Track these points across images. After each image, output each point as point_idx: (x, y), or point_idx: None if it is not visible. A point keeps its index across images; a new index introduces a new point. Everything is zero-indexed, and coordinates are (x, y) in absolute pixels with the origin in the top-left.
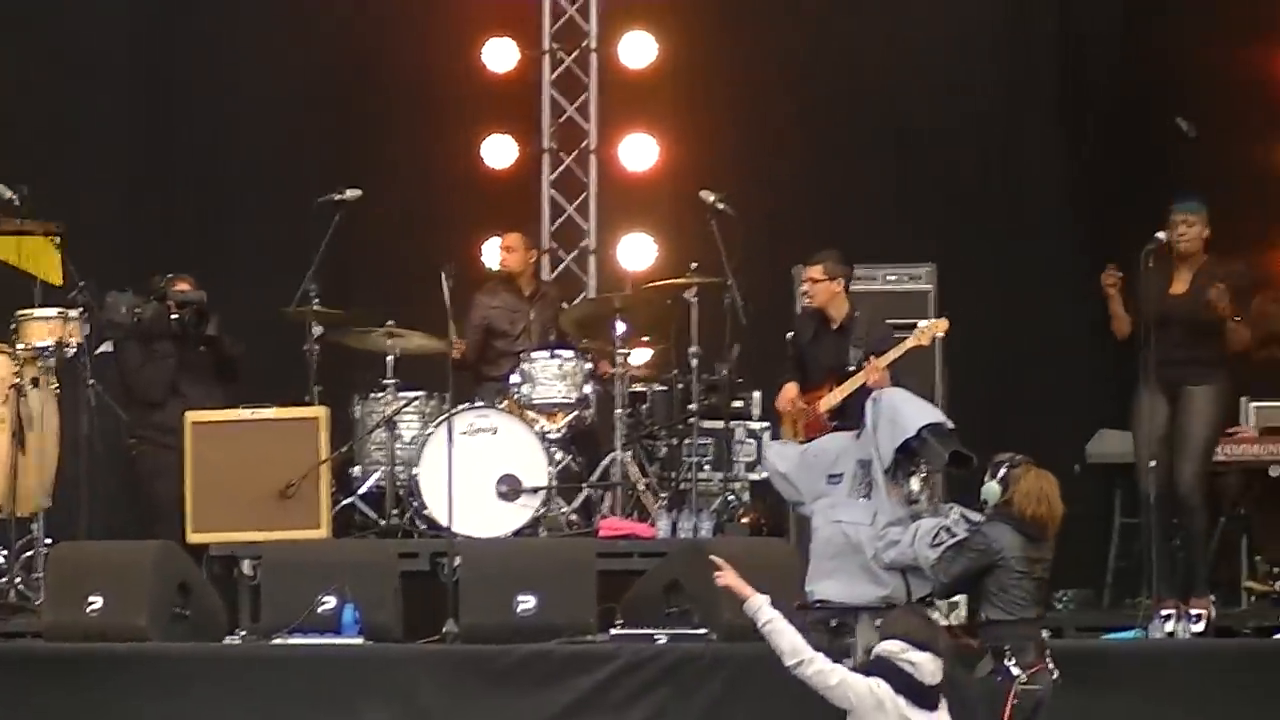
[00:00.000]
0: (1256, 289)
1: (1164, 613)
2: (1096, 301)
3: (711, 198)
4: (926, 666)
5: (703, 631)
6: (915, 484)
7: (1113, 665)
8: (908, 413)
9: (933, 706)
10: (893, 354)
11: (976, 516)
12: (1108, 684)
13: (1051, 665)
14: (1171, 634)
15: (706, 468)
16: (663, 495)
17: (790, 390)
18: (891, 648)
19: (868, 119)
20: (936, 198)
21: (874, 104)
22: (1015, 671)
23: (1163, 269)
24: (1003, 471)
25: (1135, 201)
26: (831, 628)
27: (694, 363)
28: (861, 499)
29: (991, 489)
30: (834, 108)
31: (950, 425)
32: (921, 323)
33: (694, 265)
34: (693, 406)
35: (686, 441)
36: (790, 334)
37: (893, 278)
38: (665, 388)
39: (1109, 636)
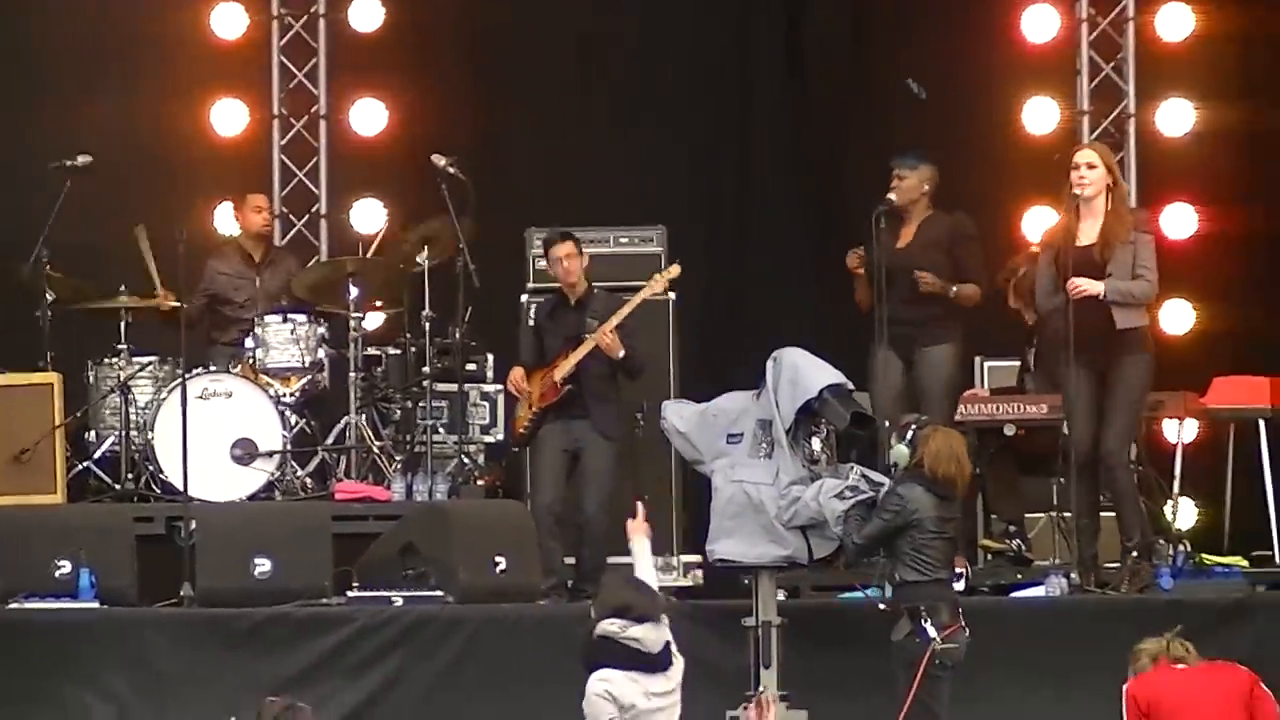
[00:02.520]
0: (972, 242)
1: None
2: (828, 264)
3: (442, 162)
4: (649, 637)
5: (439, 594)
6: (816, 444)
7: (851, 624)
8: (809, 373)
9: (666, 666)
10: (623, 311)
11: (877, 476)
12: (848, 640)
13: (964, 624)
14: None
15: (441, 430)
16: (398, 458)
17: (516, 374)
18: (611, 628)
19: (599, 82)
20: (668, 160)
21: (605, 66)
22: (932, 633)
23: (893, 227)
24: (911, 433)
25: (863, 163)
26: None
27: (427, 326)
28: (763, 458)
29: (900, 451)
30: (566, 71)
31: (851, 386)
32: (656, 275)
33: (425, 228)
34: (426, 370)
35: (421, 404)
36: (524, 296)
37: (624, 240)
38: (399, 351)
39: (844, 596)
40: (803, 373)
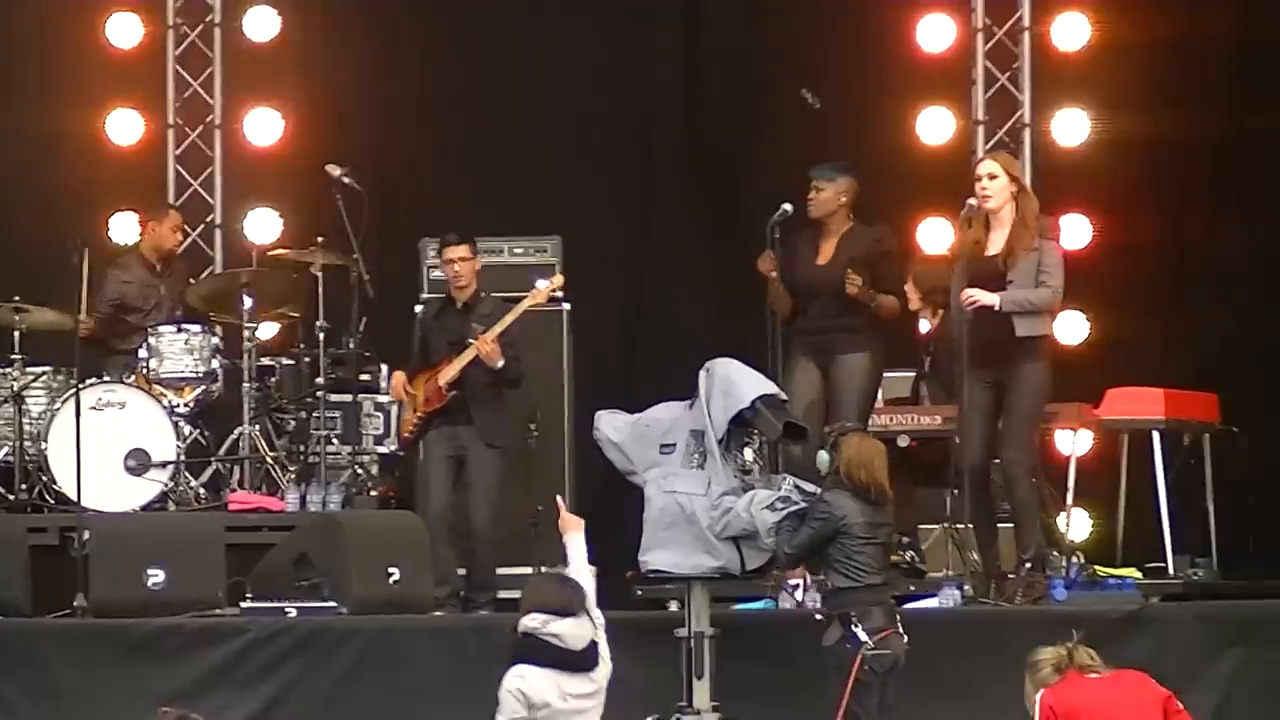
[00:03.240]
0: (892, 256)
1: (792, 583)
2: (730, 274)
3: (337, 171)
4: (573, 632)
5: (332, 604)
6: (749, 454)
7: (746, 636)
8: (742, 383)
9: (589, 666)
10: (505, 320)
11: (809, 487)
12: (739, 655)
13: (901, 630)
14: (800, 604)
15: (335, 441)
16: (291, 469)
17: (397, 379)
18: (532, 624)
19: (495, 89)
20: (566, 170)
21: (501, 74)
22: (863, 638)
23: (812, 239)
24: (832, 440)
25: (763, 172)
26: None
27: (321, 336)
28: (695, 469)
29: (822, 457)
30: (461, 80)
31: (784, 397)
32: (539, 282)
33: (320, 239)
34: (320, 380)
35: (315, 415)
36: (418, 307)
37: (519, 250)
38: (293, 361)
39: (740, 607)
40: (735, 383)
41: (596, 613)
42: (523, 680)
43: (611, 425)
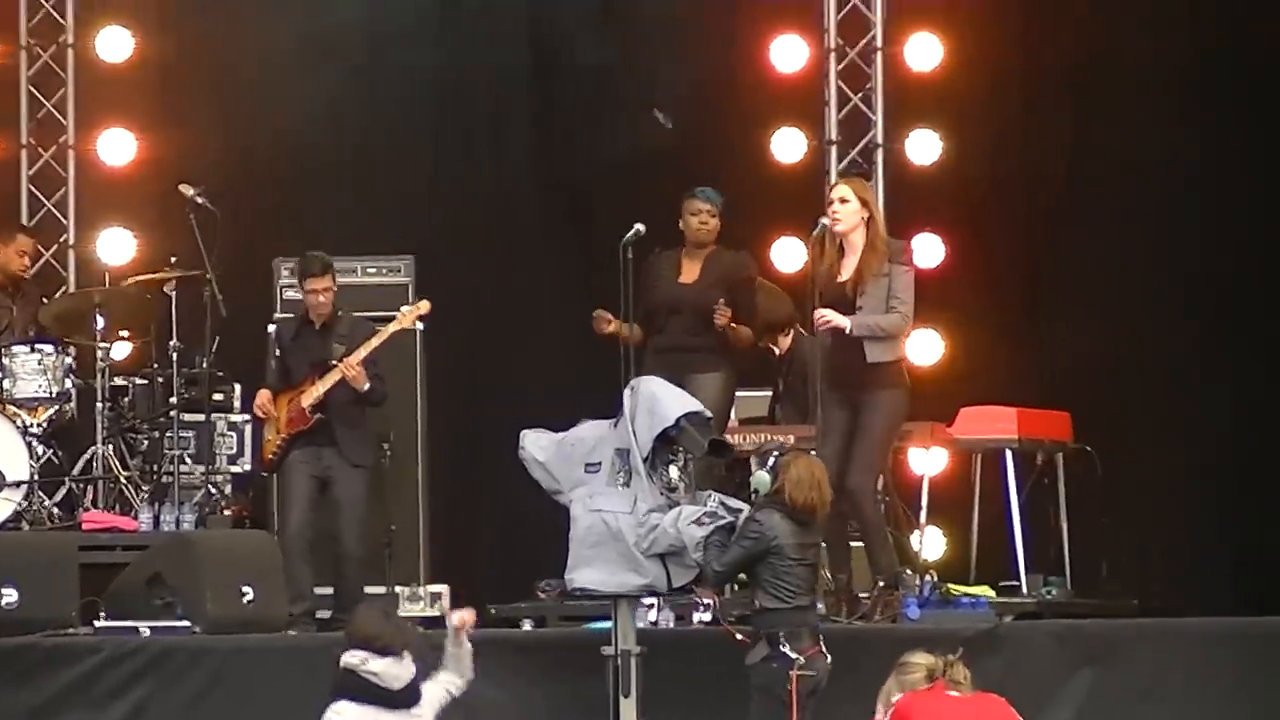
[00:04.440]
0: (751, 284)
1: (647, 602)
2: (583, 294)
3: (190, 191)
4: (390, 671)
5: (186, 624)
6: (674, 472)
7: (709, 650)
8: (666, 402)
9: (409, 704)
10: (372, 343)
11: (735, 503)
12: (707, 666)
13: (824, 650)
14: (655, 623)
15: (188, 460)
16: (145, 488)
17: (262, 396)
18: (352, 660)
19: (349, 110)
20: (418, 190)
21: (354, 94)
22: (793, 656)
23: (672, 258)
24: (772, 460)
25: (616, 192)
26: None
27: (174, 356)
28: (621, 487)
29: (761, 477)
30: (315, 100)
31: (709, 414)
32: (404, 307)
33: (173, 259)
34: (173, 400)
35: (168, 435)
36: (272, 327)
37: (372, 270)
38: (146, 381)
39: (591, 626)
40: (660, 401)
41: (449, 678)
42: (339, 717)
43: (537, 445)
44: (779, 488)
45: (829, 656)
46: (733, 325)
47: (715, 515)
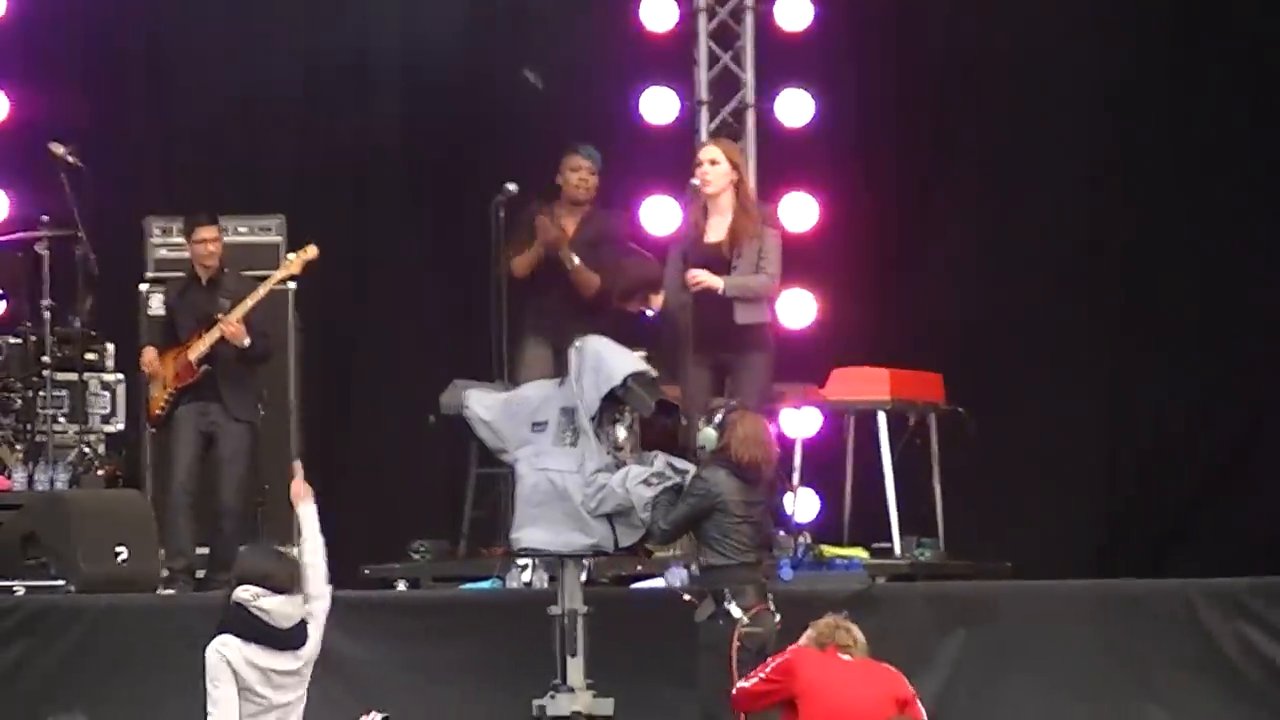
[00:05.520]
0: (615, 241)
1: (521, 563)
2: (451, 251)
3: (61, 150)
4: (281, 610)
5: (61, 583)
6: (621, 431)
7: (470, 615)
8: (612, 361)
9: (295, 645)
10: (251, 300)
11: (682, 464)
12: (467, 634)
13: (773, 608)
14: (529, 584)
15: (62, 420)
16: (18, 447)
17: (148, 354)
18: (244, 595)
19: (218, 70)
20: (283, 149)
21: (225, 56)
22: (737, 614)
23: (551, 210)
24: (719, 417)
25: (484, 152)
26: None
27: (47, 315)
28: (567, 446)
29: (708, 434)
30: (185, 60)
31: (654, 374)
32: (289, 255)
33: (44, 218)
34: (46, 359)
35: (41, 394)
36: (143, 285)
37: (244, 230)
38: (19, 340)
39: (466, 587)
40: (606, 360)
41: (324, 588)
42: (225, 648)
43: (481, 404)
44: (725, 445)
45: (777, 615)
46: (575, 262)
47: (663, 476)
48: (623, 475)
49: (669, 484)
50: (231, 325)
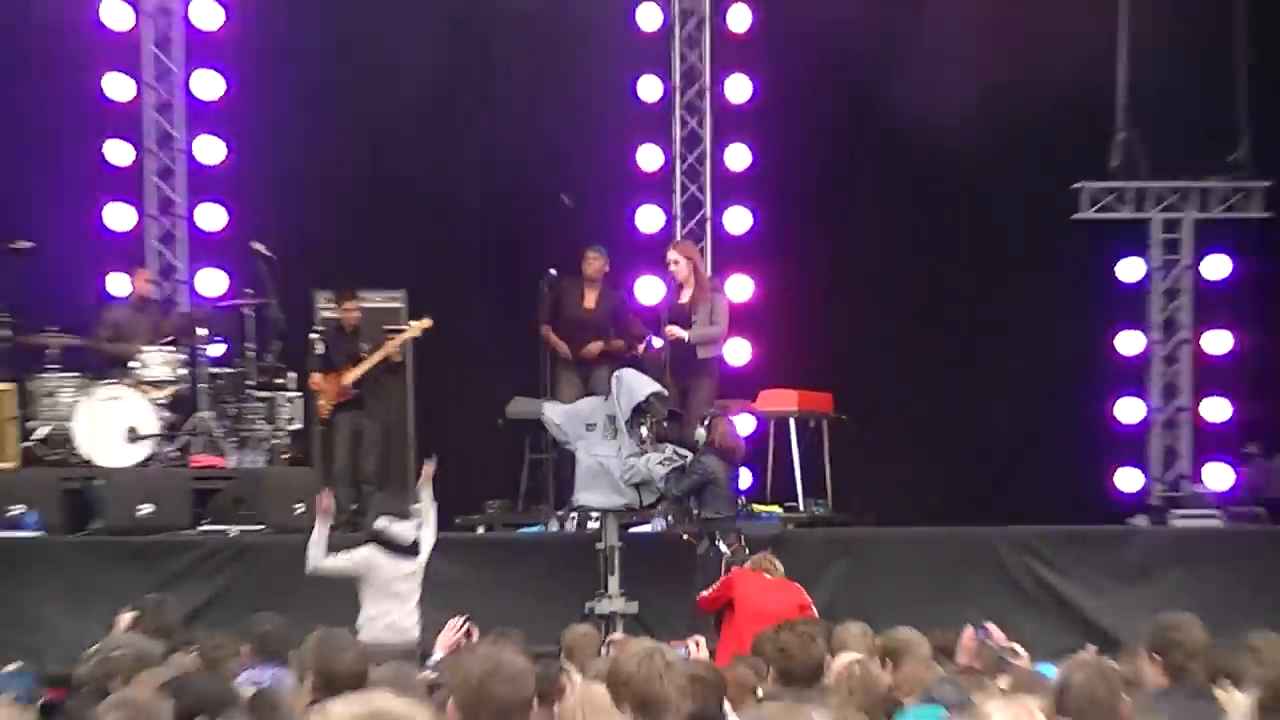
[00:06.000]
0: (626, 309)
1: (559, 514)
2: (510, 313)
3: (259, 246)
4: (405, 533)
5: (260, 527)
6: (644, 430)
7: (527, 549)
8: (639, 385)
9: (413, 554)
10: (390, 346)
11: (683, 451)
12: (527, 562)
13: (744, 544)
14: (564, 528)
15: (260, 422)
16: (232, 440)
17: (315, 379)
18: (381, 524)
19: (361, 193)
20: (410, 242)
21: (355, 183)
22: (724, 549)
23: (578, 287)
24: (707, 420)
25: (530, 243)
26: None
27: (251, 354)
28: (610, 439)
29: (700, 432)
30: (346, 183)
31: (666, 393)
32: (412, 321)
33: (248, 290)
34: (250, 383)
35: (246, 405)
36: (312, 334)
37: (378, 299)
38: (233, 370)
39: (523, 530)
40: (634, 385)
41: (432, 529)
42: (370, 550)
43: (554, 412)
44: (712, 439)
45: (748, 549)
46: (607, 345)
47: (671, 460)
48: (646, 459)
49: (675, 464)
50: (394, 349)
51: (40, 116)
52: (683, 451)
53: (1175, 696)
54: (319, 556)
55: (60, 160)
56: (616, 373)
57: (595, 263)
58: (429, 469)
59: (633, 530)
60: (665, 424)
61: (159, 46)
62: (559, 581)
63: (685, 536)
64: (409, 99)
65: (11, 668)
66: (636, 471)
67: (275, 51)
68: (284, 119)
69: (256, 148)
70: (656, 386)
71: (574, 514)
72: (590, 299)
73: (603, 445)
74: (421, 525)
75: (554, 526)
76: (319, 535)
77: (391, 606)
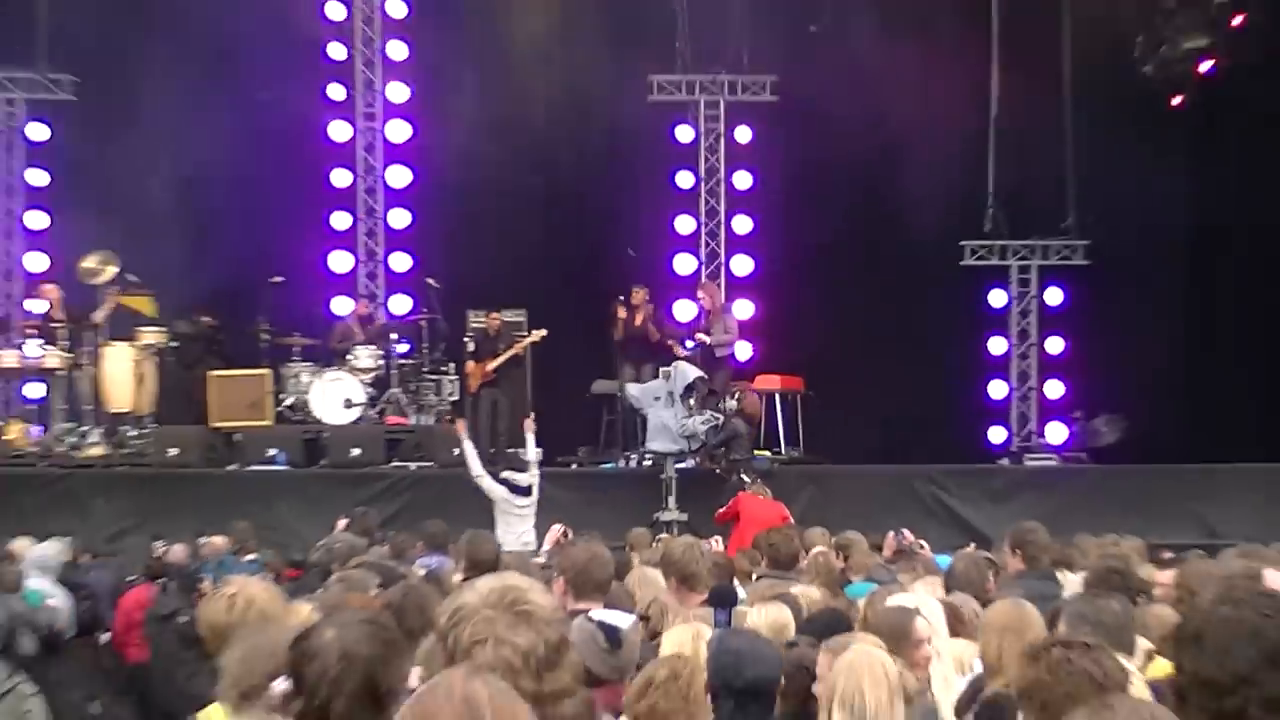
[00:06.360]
0: (659, 321)
1: (629, 454)
2: (592, 319)
3: (431, 281)
4: (522, 480)
5: (430, 464)
6: (692, 401)
7: (607, 478)
8: (689, 371)
9: (528, 494)
10: (517, 346)
11: (719, 415)
12: (608, 489)
13: (759, 479)
14: (629, 465)
15: (431, 395)
16: (413, 406)
17: (469, 366)
18: (506, 475)
19: (504, 234)
20: (532, 271)
21: (478, 232)
22: (748, 480)
23: (629, 309)
24: (736, 393)
25: (598, 279)
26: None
27: (425, 351)
28: (670, 407)
29: (731, 403)
30: (492, 235)
31: (706, 376)
32: (534, 332)
33: (424, 309)
34: (426, 370)
35: (423, 385)
36: (465, 338)
37: (509, 315)
38: (412, 361)
39: (604, 465)
40: (686, 372)
41: (535, 471)
42: (502, 490)
43: (631, 389)
44: (741, 408)
45: (759, 480)
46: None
47: (710, 420)
48: (694, 419)
49: (713, 424)
50: (523, 346)
51: (288, 197)
52: (718, 415)
53: (1028, 578)
54: (476, 465)
55: (302, 225)
56: (674, 363)
57: (639, 295)
58: (529, 422)
59: (679, 466)
60: (706, 398)
61: (366, 151)
62: (628, 500)
63: (718, 471)
64: (520, 184)
65: (250, 557)
66: (687, 428)
67: (440, 158)
68: (446, 203)
69: (431, 218)
70: (699, 373)
71: (647, 456)
72: (637, 318)
73: (665, 411)
74: (533, 475)
75: (622, 464)
76: (469, 448)
77: (515, 525)
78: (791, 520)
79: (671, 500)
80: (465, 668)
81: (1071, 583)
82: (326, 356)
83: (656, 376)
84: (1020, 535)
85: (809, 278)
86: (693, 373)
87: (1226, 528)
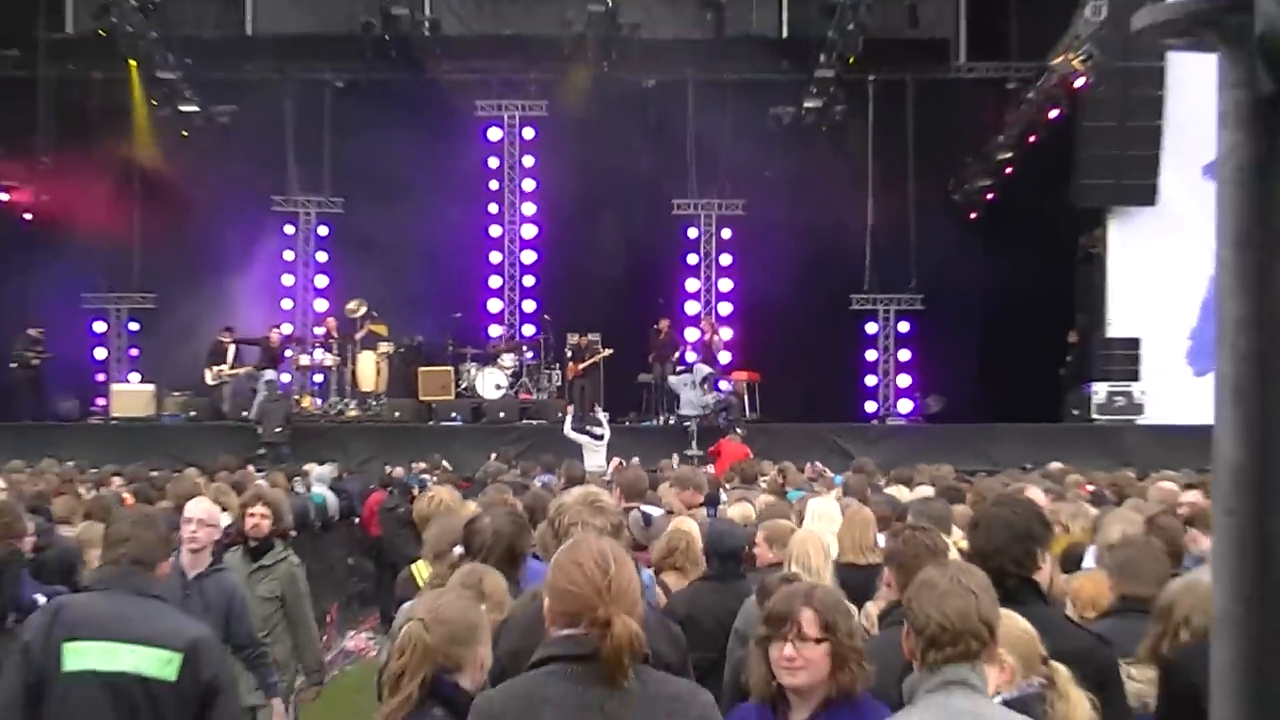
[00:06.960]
0: (671, 339)
1: (662, 418)
2: (639, 338)
3: (545, 315)
4: (597, 430)
5: (544, 422)
6: (705, 385)
7: (646, 431)
8: (705, 369)
9: (601, 439)
10: (596, 357)
11: (720, 395)
12: (645, 440)
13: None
14: (658, 424)
15: (545, 382)
16: (533, 388)
17: (570, 365)
18: (589, 426)
19: (565, 250)
20: (600, 310)
21: (574, 246)
22: (738, 431)
23: (657, 334)
24: (731, 382)
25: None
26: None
27: (529, 356)
28: (693, 390)
29: (727, 387)
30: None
31: (714, 371)
32: (603, 349)
33: (526, 335)
34: (544, 368)
35: (533, 380)
36: (567, 350)
37: (590, 336)
38: (529, 364)
39: (644, 422)
40: (703, 369)
41: (606, 429)
42: (586, 438)
43: (674, 380)
44: (733, 390)
45: (738, 433)
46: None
47: (718, 395)
48: (706, 397)
49: (718, 398)
50: (600, 354)
51: (466, 269)
52: (720, 393)
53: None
54: (568, 426)
55: (473, 284)
56: (695, 364)
57: (664, 324)
58: (598, 405)
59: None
60: (714, 384)
61: (510, 241)
62: (659, 444)
63: (720, 425)
64: (597, 260)
65: (421, 464)
66: (704, 400)
67: (551, 246)
68: (555, 271)
69: (547, 280)
70: (710, 370)
71: (678, 418)
72: (663, 338)
73: (692, 392)
74: (604, 429)
75: (656, 422)
76: (569, 416)
77: (593, 457)
78: (752, 455)
79: (694, 444)
80: (593, 533)
81: (918, 493)
82: (485, 360)
83: (675, 373)
84: (859, 464)
85: (768, 313)
86: (706, 370)
87: (1003, 461)
